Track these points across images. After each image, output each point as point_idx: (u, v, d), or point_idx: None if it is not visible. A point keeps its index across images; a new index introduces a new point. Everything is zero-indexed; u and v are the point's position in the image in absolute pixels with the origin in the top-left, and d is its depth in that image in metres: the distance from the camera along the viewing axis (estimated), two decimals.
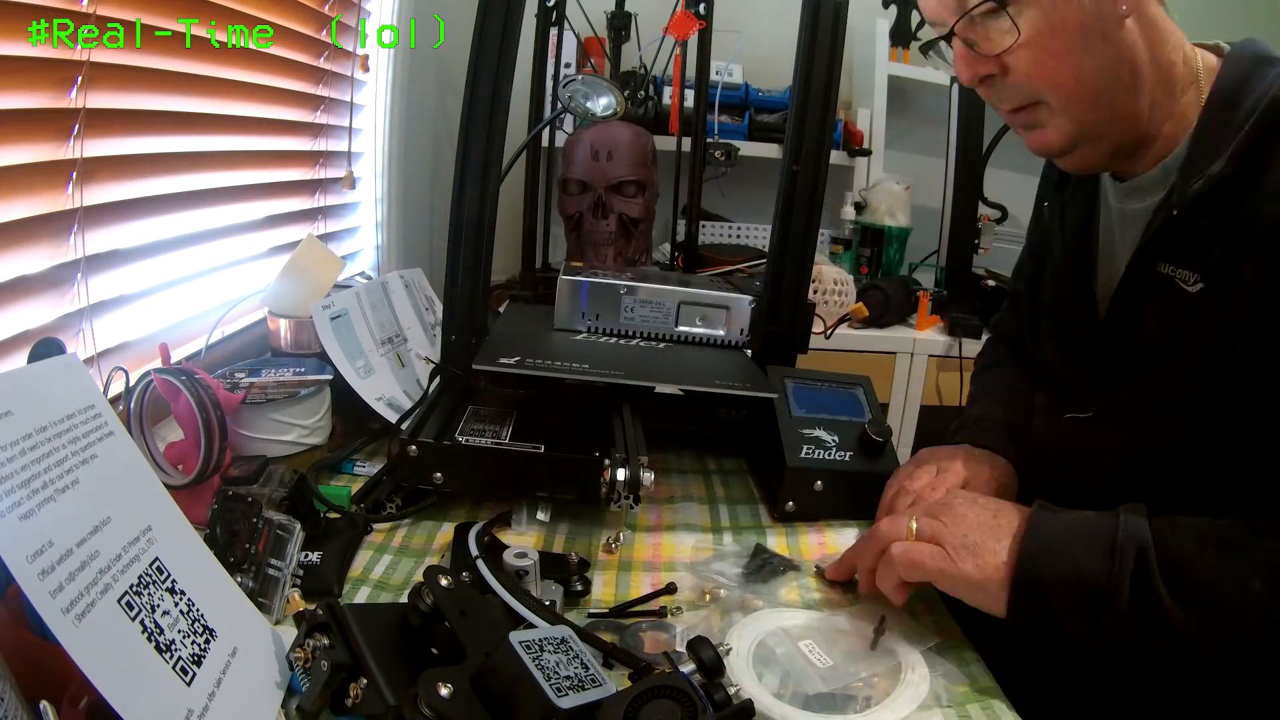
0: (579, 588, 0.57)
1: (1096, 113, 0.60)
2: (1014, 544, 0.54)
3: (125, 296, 0.75)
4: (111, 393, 0.63)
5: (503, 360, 0.70)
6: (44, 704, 0.34)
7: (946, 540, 0.55)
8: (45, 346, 0.52)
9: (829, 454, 0.72)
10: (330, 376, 0.77)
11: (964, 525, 0.55)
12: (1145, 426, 0.63)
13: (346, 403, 0.79)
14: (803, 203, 0.82)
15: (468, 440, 0.69)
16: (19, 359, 0.61)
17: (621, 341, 0.83)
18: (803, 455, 0.71)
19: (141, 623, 0.39)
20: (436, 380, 0.79)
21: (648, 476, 0.60)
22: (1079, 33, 0.57)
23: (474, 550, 0.56)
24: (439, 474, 0.67)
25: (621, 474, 0.60)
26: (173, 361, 0.70)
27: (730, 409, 0.86)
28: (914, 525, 0.56)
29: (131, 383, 0.65)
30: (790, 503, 0.71)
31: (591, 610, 0.56)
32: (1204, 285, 0.58)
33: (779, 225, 0.83)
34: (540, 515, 0.69)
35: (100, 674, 0.35)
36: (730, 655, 0.49)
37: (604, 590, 0.59)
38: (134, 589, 0.40)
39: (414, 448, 0.67)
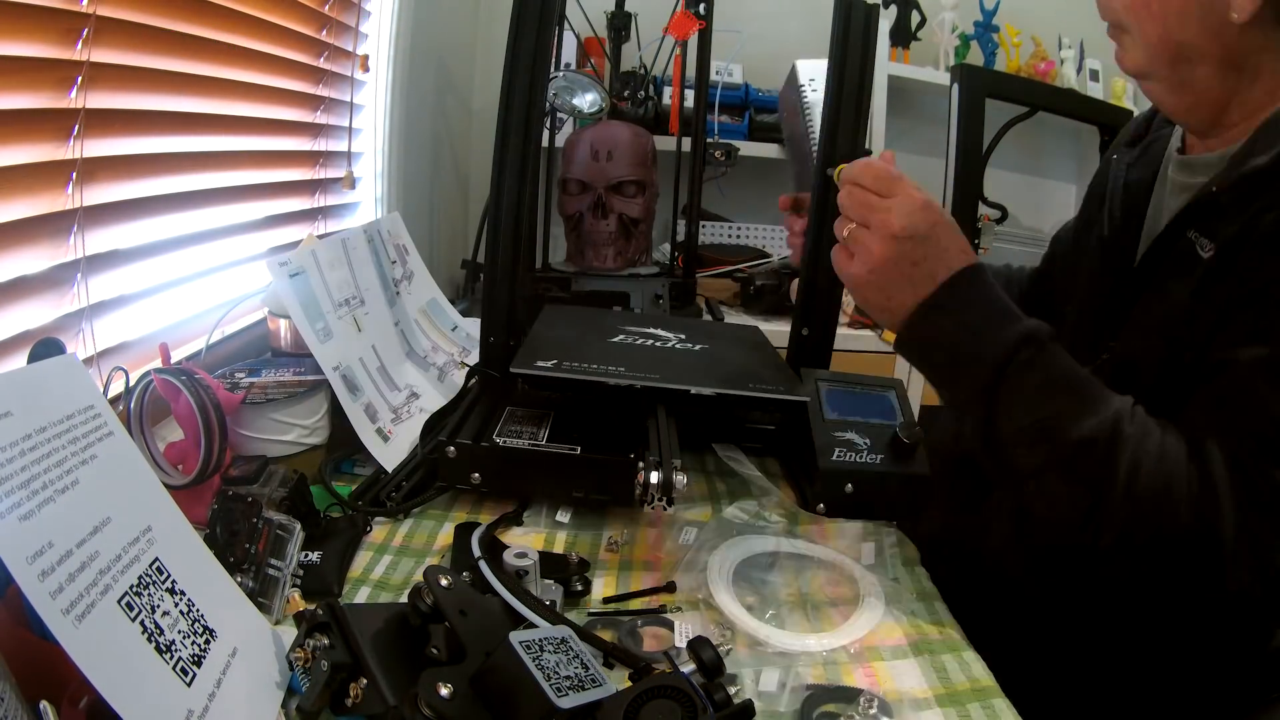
0: (579, 587, 0.57)
1: (1170, 71, 0.63)
2: (919, 305, 0.60)
3: (125, 296, 0.75)
4: (111, 393, 0.63)
5: (540, 364, 0.71)
6: (44, 704, 0.34)
7: (857, 262, 0.61)
8: (45, 346, 0.52)
9: (860, 456, 0.73)
10: None
11: (873, 258, 0.60)
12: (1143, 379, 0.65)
13: None
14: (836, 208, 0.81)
15: (505, 442, 0.69)
16: (19, 359, 0.61)
17: (658, 345, 0.83)
18: (834, 458, 0.72)
19: (142, 623, 0.39)
20: (474, 381, 0.83)
21: (680, 479, 0.60)
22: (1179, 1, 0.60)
23: (476, 551, 0.56)
24: (476, 474, 0.68)
25: (655, 476, 0.60)
26: (173, 361, 0.70)
27: (765, 411, 0.86)
28: (851, 228, 0.62)
29: (131, 383, 0.65)
30: (821, 504, 0.72)
31: (591, 610, 0.56)
32: (1214, 253, 0.61)
33: (813, 229, 0.84)
34: (560, 516, 0.69)
35: (101, 675, 0.35)
36: (711, 574, 0.56)
37: (604, 590, 0.59)
38: (134, 589, 0.40)
39: (452, 449, 0.68)
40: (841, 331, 1.56)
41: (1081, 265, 0.81)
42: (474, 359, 0.89)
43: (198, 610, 0.43)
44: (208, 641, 0.42)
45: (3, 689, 0.34)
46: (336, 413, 0.78)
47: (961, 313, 0.59)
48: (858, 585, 0.60)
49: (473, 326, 1.00)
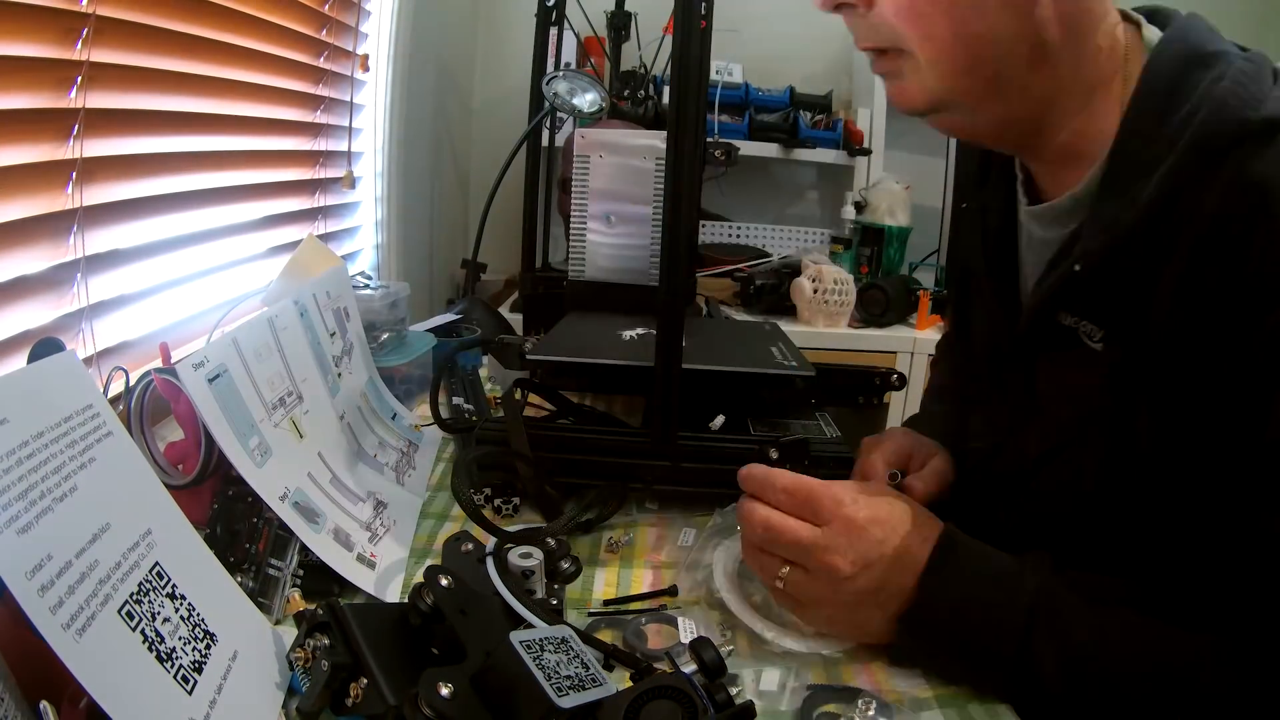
0: (566, 566, 0.55)
1: (971, 81, 0.50)
2: (891, 627, 0.49)
3: (125, 296, 0.75)
4: (112, 392, 0.63)
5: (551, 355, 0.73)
6: (44, 704, 0.34)
7: (809, 611, 0.51)
8: (45, 346, 0.52)
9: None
10: None
11: (827, 607, 0.50)
12: (1045, 475, 0.58)
13: None
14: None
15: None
16: (19, 359, 0.61)
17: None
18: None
19: (142, 632, 0.38)
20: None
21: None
22: None
23: (488, 547, 0.56)
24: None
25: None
26: (173, 361, 0.70)
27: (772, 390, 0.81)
28: (784, 572, 0.51)
29: (131, 382, 0.65)
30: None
31: (592, 610, 0.56)
32: (1105, 345, 0.52)
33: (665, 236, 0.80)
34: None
35: (102, 689, 0.34)
36: (716, 571, 0.54)
37: (605, 590, 0.59)
38: (134, 598, 0.39)
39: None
40: (842, 331, 1.57)
41: (969, 342, 0.71)
42: (424, 453, 0.75)
43: (198, 615, 0.43)
44: (208, 646, 0.42)
45: (3, 689, 0.34)
46: None
47: (957, 602, 0.48)
48: None
49: (405, 412, 0.78)
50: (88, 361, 0.69)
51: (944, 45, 0.48)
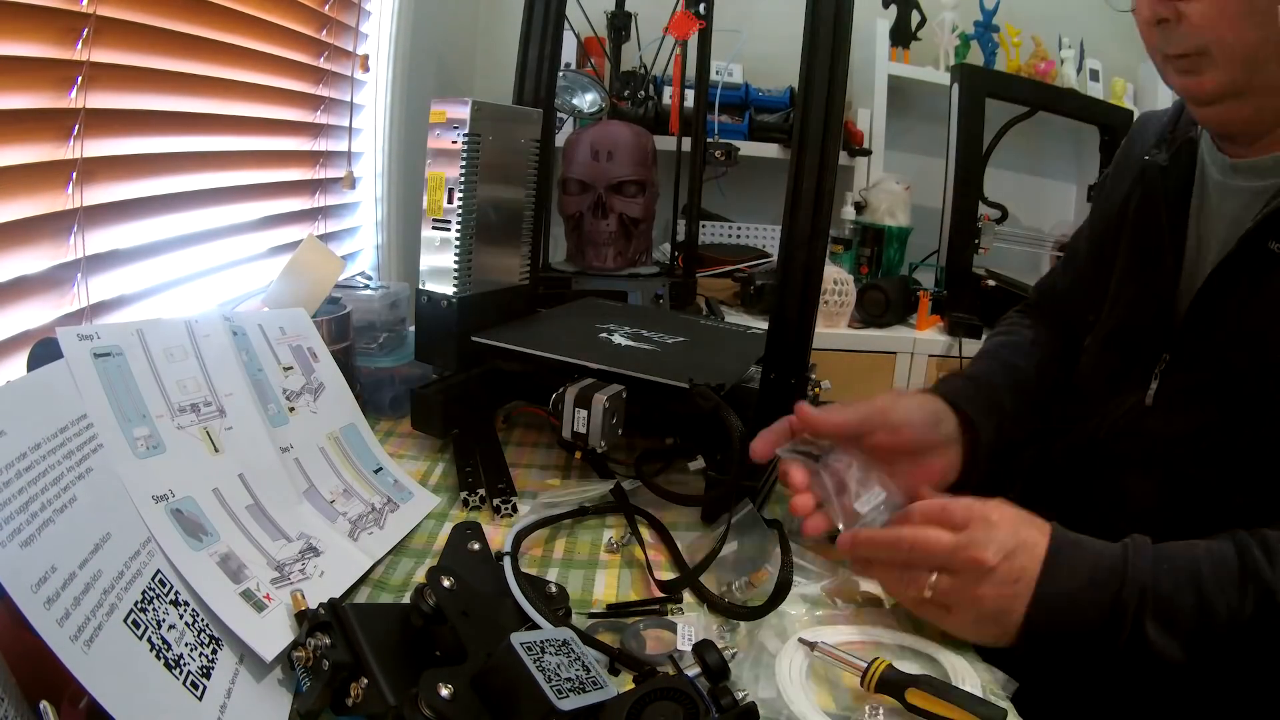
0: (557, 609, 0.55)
1: (1251, 77, 0.62)
2: (1021, 622, 0.54)
3: (125, 296, 0.75)
4: None
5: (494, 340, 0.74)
6: (44, 704, 0.34)
7: (959, 613, 0.55)
8: (45, 347, 0.52)
9: None
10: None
11: (978, 603, 0.54)
12: (1209, 414, 0.65)
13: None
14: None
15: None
16: (19, 359, 0.61)
17: (638, 339, 0.85)
18: None
19: (149, 640, 0.38)
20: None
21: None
22: (1249, 4, 0.59)
23: (507, 546, 0.57)
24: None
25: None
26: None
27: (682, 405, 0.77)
28: (932, 581, 0.55)
29: None
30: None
31: (593, 612, 0.56)
32: None
33: (784, 248, 0.72)
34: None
35: (113, 699, 0.34)
36: (783, 680, 0.49)
37: (605, 591, 0.59)
38: (139, 606, 0.39)
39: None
40: (842, 331, 1.57)
41: (1116, 287, 0.79)
42: (404, 516, 0.66)
43: (203, 620, 0.43)
44: (214, 651, 0.42)
45: (3, 689, 0.34)
46: None
47: (1074, 591, 0.53)
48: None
49: (401, 473, 0.71)
50: None
51: (1235, 48, 0.61)
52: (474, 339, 0.78)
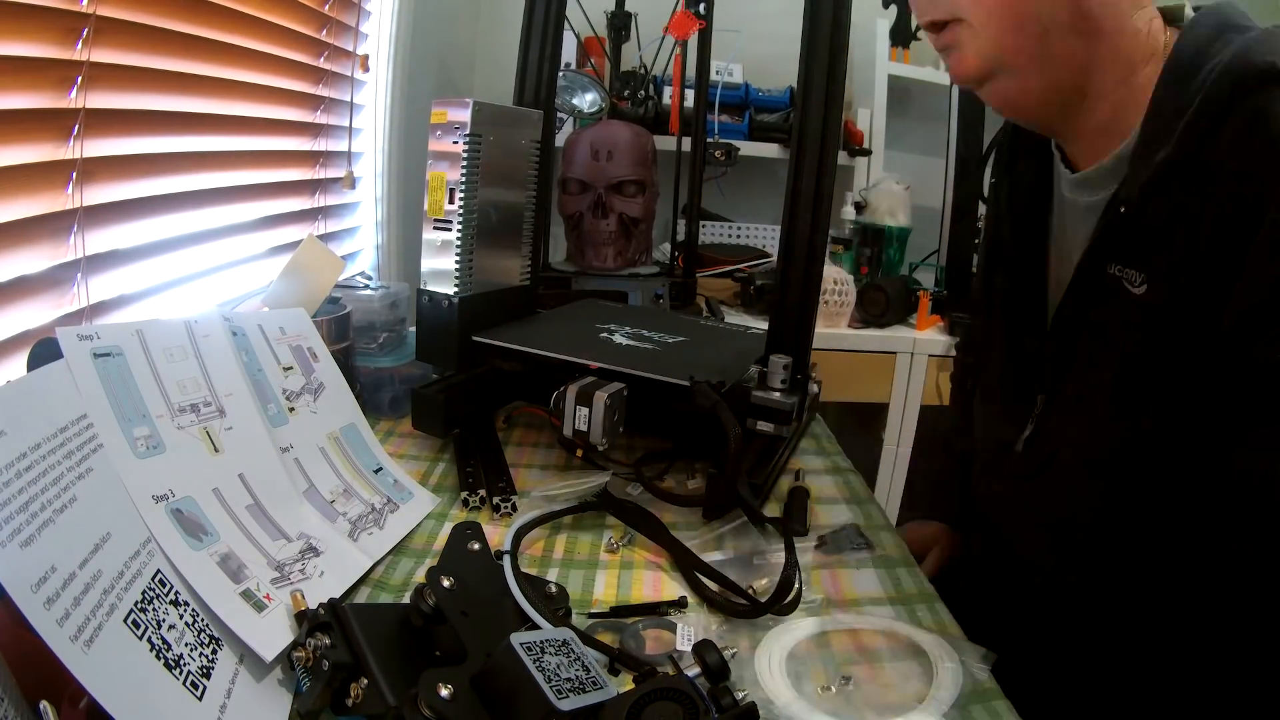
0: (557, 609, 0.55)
1: (1022, 41, 0.54)
2: None
3: (125, 296, 0.75)
4: None
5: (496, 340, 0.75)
6: (44, 704, 0.34)
7: None
8: (45, 347, 0.52)
9: None
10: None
11: None
12: (1085, 449, 0.60)
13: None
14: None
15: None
16: (19, 359, 0.61)
17: (639, 339, 0.85)
18: None
19: (149, 640, 0.38)
20: None
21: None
22: None
23: (507, 545, 0.57)
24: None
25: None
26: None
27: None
28: None
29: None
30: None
31: (593, 612, 0.56)
32: (1148, 286, 0.53)
33: (784, 238, 0.74)
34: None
35: (114, 699, 0.34)
36: (764, 669, 0.49)
37: (605, 591, 0.59)
38: (138, 606, 0.39)
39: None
40: (842, 331, 1.57)
41: (993, 320, 0.73)
42: (404, 516, 0.66)
43: (203, 620, 0.43)
44: (214, 651, 0.42)
45: (3, 689, 0.34)
46: None
47: None
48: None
49: (401, 473, 0.70)
50: None
51: (995, 14, 0.54)
52: (475, 339, 0.78)
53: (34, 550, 0.35)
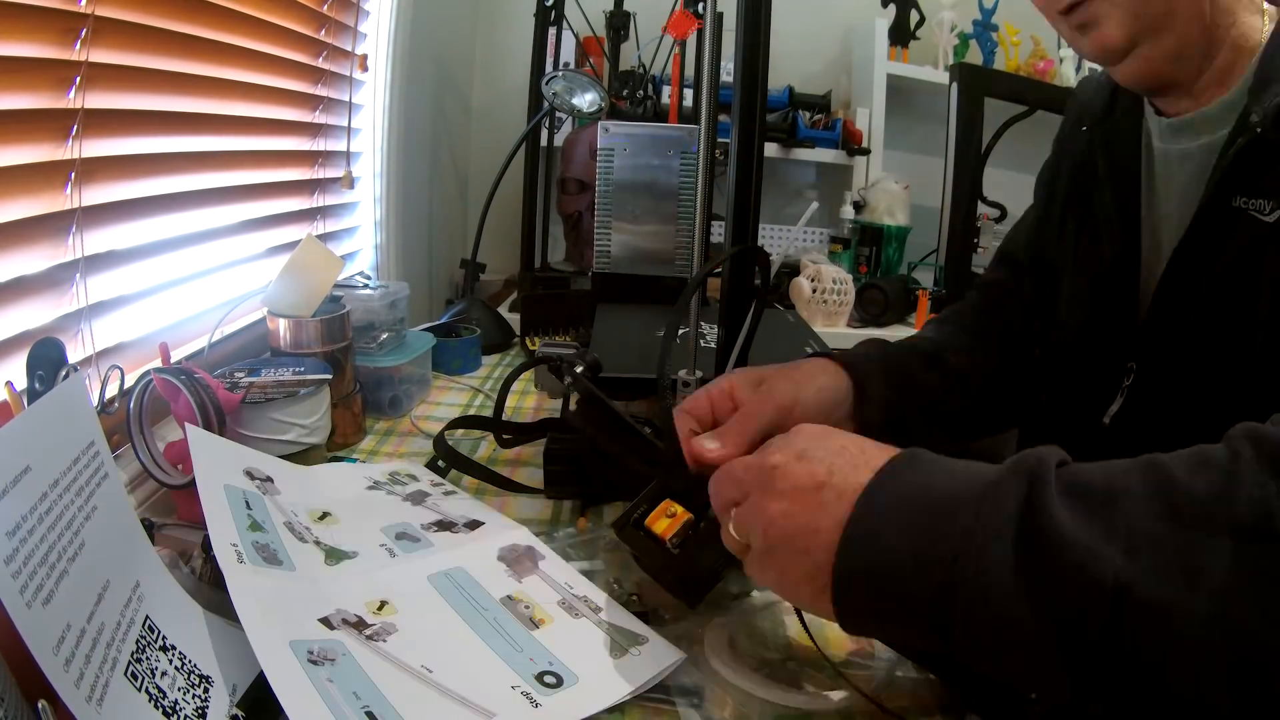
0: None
1: (1154, 21, 0.55)
2: (834, 557, 0.38)
3: (124, 297, 0.75)
4: (110, 392, 0.63)
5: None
6: (43, 704, 0.34)
7: (756, 554, 0.43)
8: (45, 346, 0.52)
9: None
10: (329, 376, 0.77)
11: (770, 526, 0.41)
12: (1189, 411, 0.57)
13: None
14: None
15: None
16: (19, 359, 0.61)
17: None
18: None
19: (147, 691, 0.38)
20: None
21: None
22: None
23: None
24: None
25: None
26: (172, 361, 0.70)
27: None
28: (730, 531, 0.44)
29: (131, 383, 0.65)
30: None
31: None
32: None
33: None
34: None
35: None
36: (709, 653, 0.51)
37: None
38: (134, 656, 0.38)
39: None
40: (842, 330, 1.57)
41: (1064, 272, 0.70)
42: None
43: (190, 662, 0.42)
44: (206, 690, 0.41)
45: (3, 689, 0.34)
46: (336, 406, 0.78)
47: (928, 480, 0.38)
48: None
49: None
50: (87, 362, 0.69)
51: None
52: (606, 374, 0.75)
53: (53, 608, 0.34)
